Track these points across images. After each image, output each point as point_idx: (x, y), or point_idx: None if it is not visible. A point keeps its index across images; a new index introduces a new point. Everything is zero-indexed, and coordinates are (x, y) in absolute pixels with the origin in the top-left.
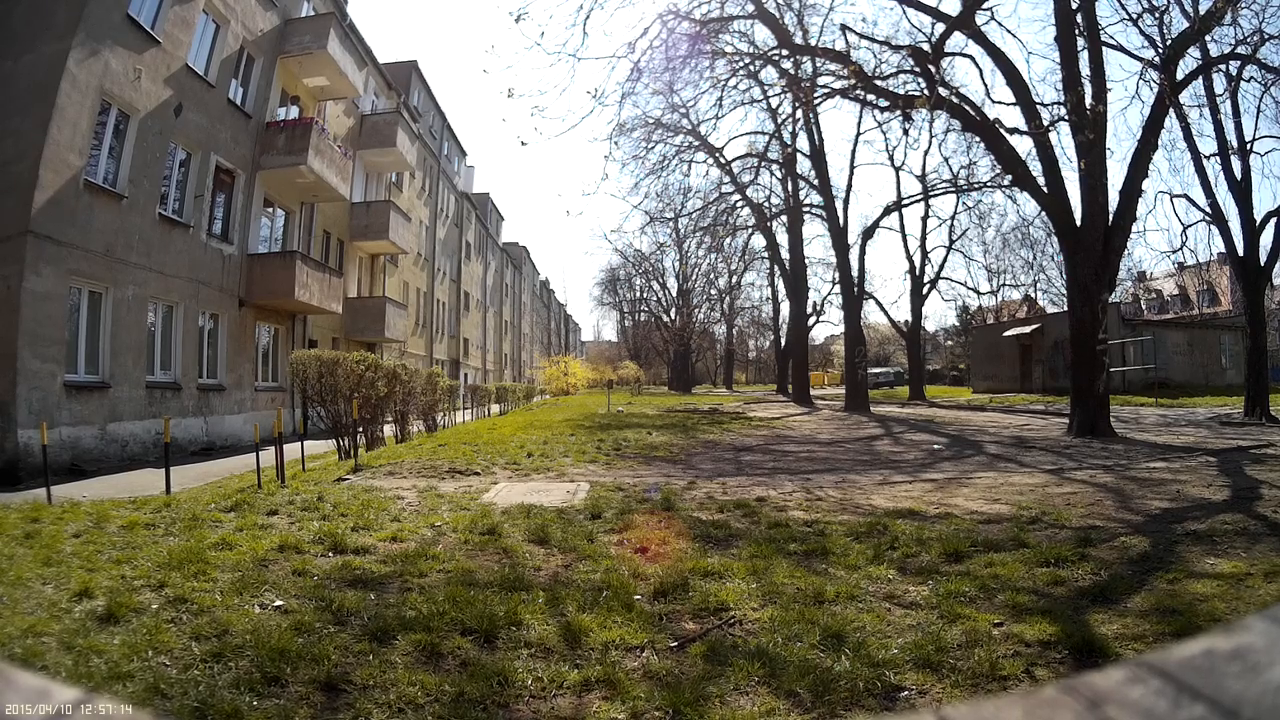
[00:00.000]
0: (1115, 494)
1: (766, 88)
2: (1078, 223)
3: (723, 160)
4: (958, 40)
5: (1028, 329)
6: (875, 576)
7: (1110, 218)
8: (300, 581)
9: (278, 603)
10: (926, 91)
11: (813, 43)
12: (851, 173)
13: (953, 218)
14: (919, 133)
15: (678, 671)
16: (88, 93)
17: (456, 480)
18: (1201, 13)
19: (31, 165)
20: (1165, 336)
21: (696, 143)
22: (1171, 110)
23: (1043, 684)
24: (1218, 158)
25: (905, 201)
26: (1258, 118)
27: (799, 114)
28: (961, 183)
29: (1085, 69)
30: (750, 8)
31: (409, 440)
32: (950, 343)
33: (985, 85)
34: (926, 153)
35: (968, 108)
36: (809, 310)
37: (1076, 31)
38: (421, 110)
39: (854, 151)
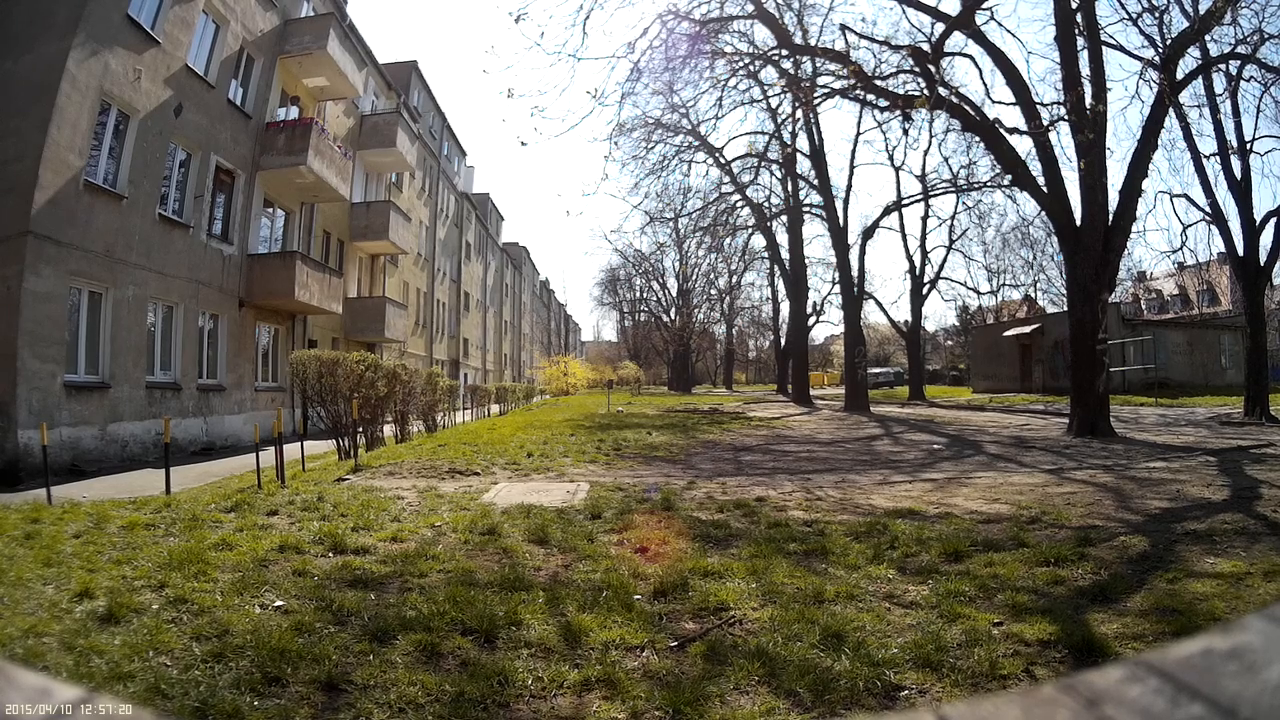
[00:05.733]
0: (1115, 494)
1: (766, 88)
2: (1078, 223)
3: (723, 160)
4: (957, 40)
5: (1028, 329)
6: (875, 576)
7: (1110, 218)
8: (300, 582)
9: (278, 603)
10: (926, 91)
11: (812, 43)
12: (851, 173)
13: (953, 218)
14: (919, 133)
15: (678, 671)
16: (88, 93)
17: (456, 480)
18: (1201, 12)
19: (31, 165)
20: (1165, 336)
21: (696, 143)
22: (1171, 110)
23: (1042, 683)
24: (1217, 157)
25: (905, 201)
26: (1257, 117)
27: (799, 114)
28: (961, 183)
29: (1085, 69)
30: (750, 8)
31: (409, 440)
32: (950, 343)
33: (985, 85)
34: (926, 153)
35: (968, 108)
36: (809, 310)
37: (1076, 31)
38: (421, 110)
39: (854, 151)
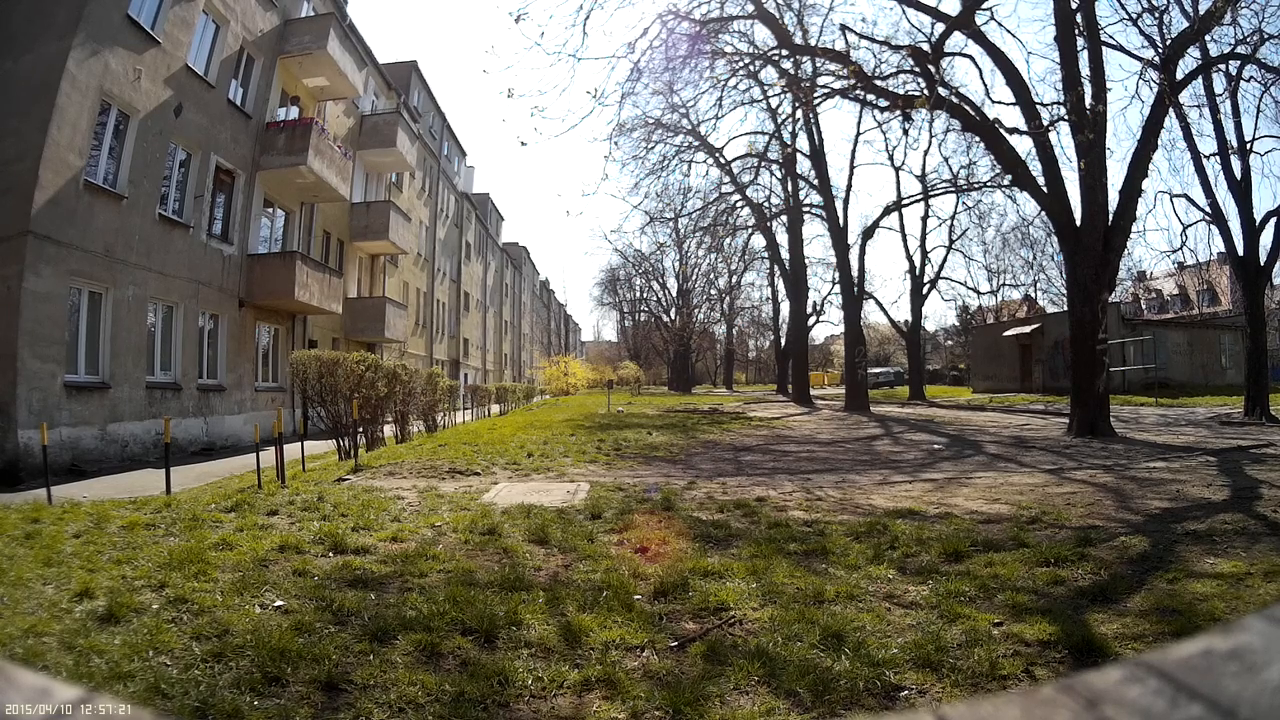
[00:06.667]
0: (1115, 494)
1: (766, 88)
2: (1078, 223)
3: (723, 160)
4: (958, 40)
5: (1028, 329)
6: (875, 576)
7: (1110, 218)
8: (301, 581)
9: (278, 603)
10: (926, 91)
11: (812, 43)
12: (851, 173)
13: (953, 218)
14: (919, 133)
15: (678, 671)
16: (88, 93)
17: (456, 480)
18: (1201, 13)
19: (31, 165)
20: (1165, 336)
21: (696, 143)
22: (1171, 110)
23: (1042, 683)
24: (1217, 157)
25: (905, 201)
26: (1257, 117)
27: (799, 114)
28: (961, 183)
29: (1085, 69)
30: (750, 8)
31: (409, 440)
32: (950, 343)
33: (985, 85)
34: (926, 153)
35: (968, 108)
36: (809, 310)
37: (1076, 31)
38: (421, 110)
39: (854, 151)
